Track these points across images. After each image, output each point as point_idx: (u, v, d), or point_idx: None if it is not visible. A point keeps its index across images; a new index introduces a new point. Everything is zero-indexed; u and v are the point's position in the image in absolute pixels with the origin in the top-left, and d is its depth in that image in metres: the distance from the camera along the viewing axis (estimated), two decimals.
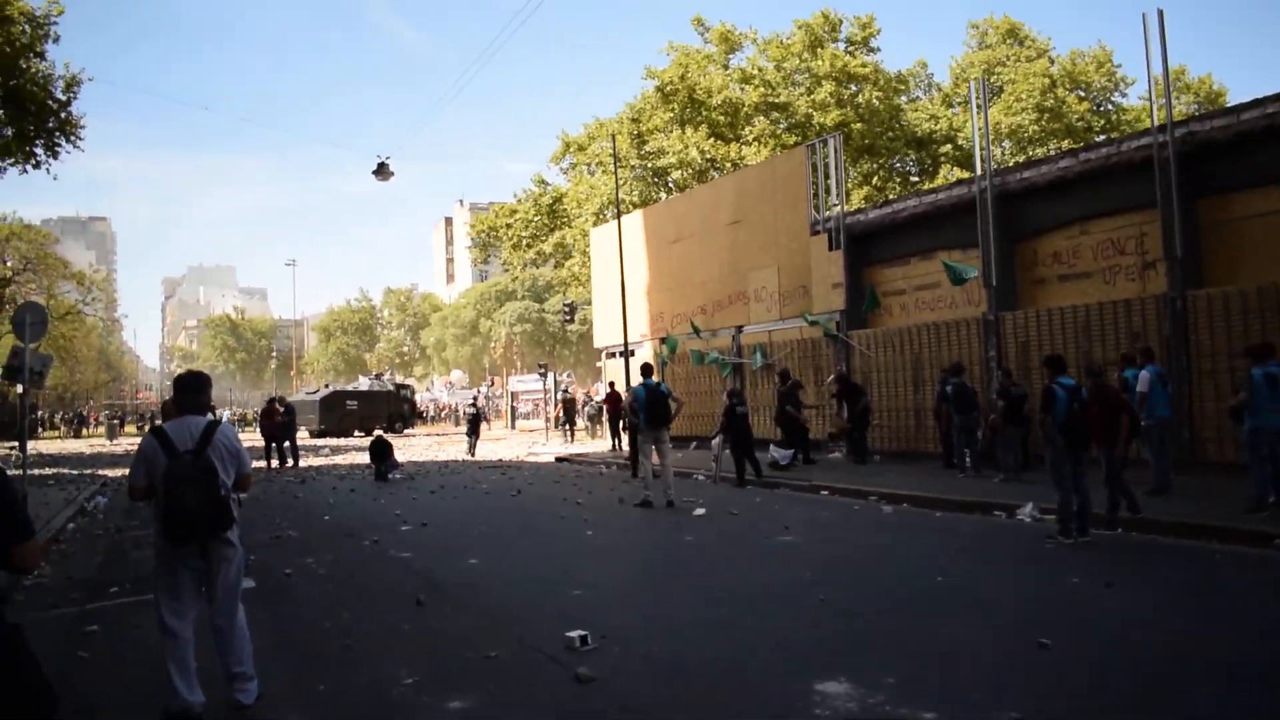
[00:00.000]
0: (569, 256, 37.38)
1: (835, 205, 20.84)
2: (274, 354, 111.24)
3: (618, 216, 25.93)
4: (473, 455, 26.41)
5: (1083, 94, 41.29)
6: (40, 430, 49.02)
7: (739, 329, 23.33)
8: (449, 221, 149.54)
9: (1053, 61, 42.18)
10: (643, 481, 12.66)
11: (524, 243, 37.69)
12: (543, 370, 37.10)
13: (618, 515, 12.22)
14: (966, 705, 4.75)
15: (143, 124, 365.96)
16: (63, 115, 22.79)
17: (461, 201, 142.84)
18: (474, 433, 27.82)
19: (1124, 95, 42.58)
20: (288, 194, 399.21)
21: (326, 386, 52.22)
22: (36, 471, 23.06)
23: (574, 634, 5.94)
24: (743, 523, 11.32)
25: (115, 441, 45.52)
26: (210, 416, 5.24)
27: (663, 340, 25.24)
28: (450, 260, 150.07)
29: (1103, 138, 35.77)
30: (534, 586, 7.95)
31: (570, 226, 36.24)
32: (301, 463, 24.20)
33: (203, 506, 4.76)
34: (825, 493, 14.19)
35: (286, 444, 24.08)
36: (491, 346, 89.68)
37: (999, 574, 8.08)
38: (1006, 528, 10.47)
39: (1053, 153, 27.91)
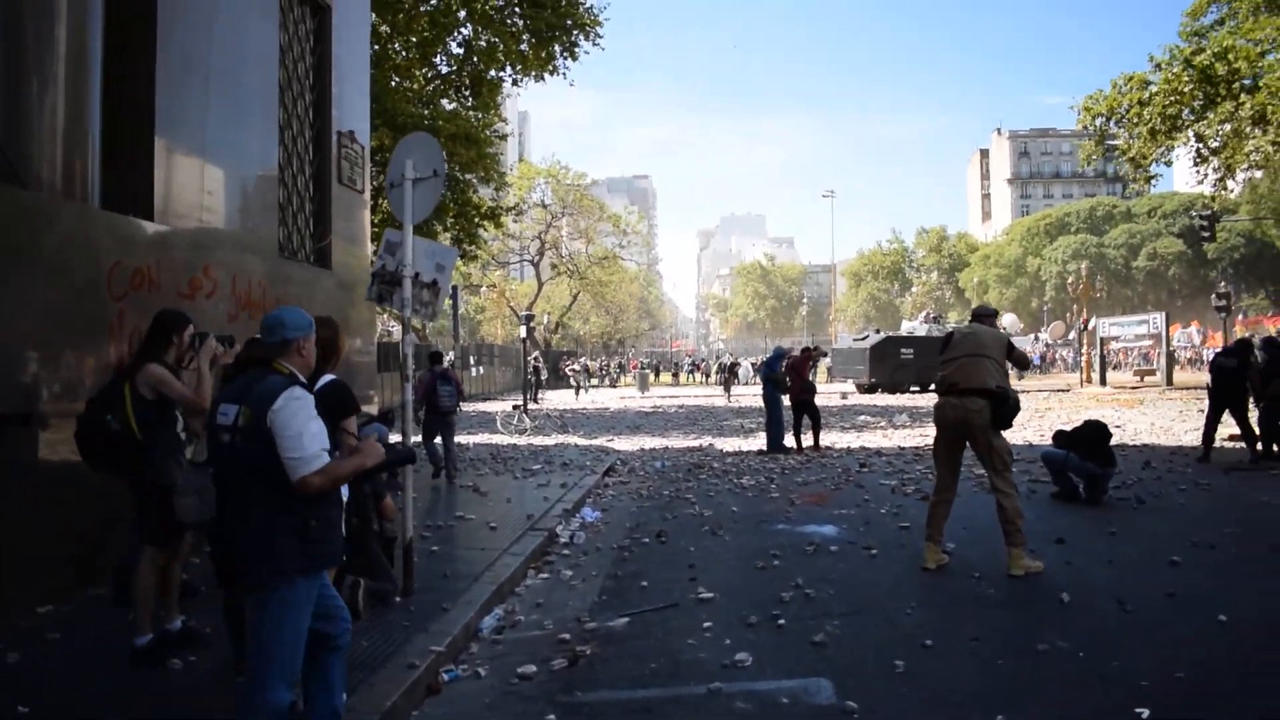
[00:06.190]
0: (1243, 135, 25.38)
1: None
2: (804, 300, 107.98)
3: None
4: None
5: None
6: (579, 383, 45.81)
7: None
8: (984, 154, 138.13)
9: None
10: None
11: (1166, 126, 26.15)
12: (1222, 301, 25.39)
13: None
14: None
15: (679, 88, 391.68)
16: (581, 8, 18.71)
17: (999, 130, 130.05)
18: None
19: None
20: (815, 142, 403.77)
21: (877, 331, 44.32)
22: (539, 441, 17.54)
23: None
24: None
25: (646, 394, 40.06)
26: None
27: None
28: (986, 196, 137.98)
29: None
30: None
31: (1246, 93, 24.29)
32: (842, 440, 16.32)
33: None
34: None
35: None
36: (1070, 284, 75.83)
37: None
38: None
39: None
